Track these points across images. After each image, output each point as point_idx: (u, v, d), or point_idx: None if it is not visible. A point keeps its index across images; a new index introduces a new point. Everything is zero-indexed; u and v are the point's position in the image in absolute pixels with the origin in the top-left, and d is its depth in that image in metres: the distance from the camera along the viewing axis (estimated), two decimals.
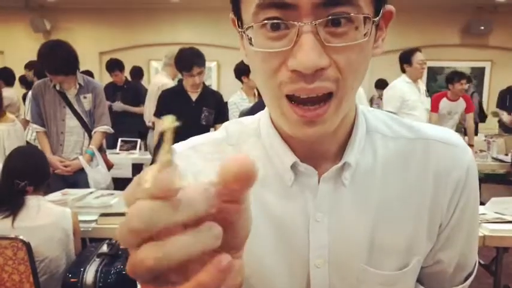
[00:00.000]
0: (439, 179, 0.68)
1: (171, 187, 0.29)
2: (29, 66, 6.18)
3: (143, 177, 0.30)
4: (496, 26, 9.03)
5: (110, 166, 3.39)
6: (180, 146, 0.74)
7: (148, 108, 4.50)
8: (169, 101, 3.47)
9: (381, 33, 0.62)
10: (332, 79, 0.56)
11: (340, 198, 0.67)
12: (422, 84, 4.51)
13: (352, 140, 0.67)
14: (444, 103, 5.32)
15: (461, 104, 5.36)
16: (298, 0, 0.53)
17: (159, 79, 4.42)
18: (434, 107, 5.24)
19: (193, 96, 3.46)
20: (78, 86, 3.17)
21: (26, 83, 6.21)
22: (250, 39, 0.57)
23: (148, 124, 4.63)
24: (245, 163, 0.30)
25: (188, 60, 3.35)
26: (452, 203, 0.69)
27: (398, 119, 0.73)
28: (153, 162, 3.63)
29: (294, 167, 0.67)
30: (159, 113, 3.53)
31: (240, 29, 0.60)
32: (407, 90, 4.33)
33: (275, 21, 0.54)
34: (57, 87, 3.15)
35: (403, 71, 4.44)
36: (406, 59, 4.40)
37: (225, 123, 0.77)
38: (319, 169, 0.67)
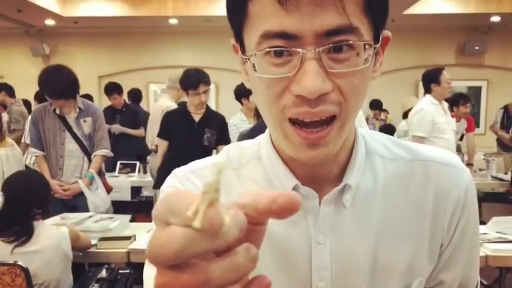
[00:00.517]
0: (439, 199, 0.69)
1: (220, 224, 0.29)
2: None
3: (184, 208, 0.29)
4: (491, 46, 9.15)
5: (109, 189, 3.38)
6: (181, 170, 0.74)
7: (151, 132, 4.49)
8: (173, 122, 3.52)
9: (378, 57, 0.64)
10: (335, 102, 0.57)
11: (342, 220, 0.67)
12: (445, 104, 4.30)
13: (352, 163, 0.68)
14: None
15: (463, 124, 5.41)
16: (300, 31, 0.54)
17: (162, 102, 4.45)
18: None
19: (196, 118, 3.50)
20: (78, 110, 3.20)
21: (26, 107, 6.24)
22: (253, 65, 0.58)
23: (151, 147, 4.56)
24: (295, 199, 0.33)
25: (194, 78, 3.40)
26: (452, 223, 0.69)
27: (395, 140, 0.74)
28: (155, 184, 3.64)
29: (295, 190, 0.67)
30: (162, 134, 3.58)
31: (244, 56, 0.61)
32: (435, 113, 4.07)
33: (279, 48, 0.55)
34: (57, 111, 3.17)
35: (428, 91, 4.18)
36: (433, 78, 4.14)
37: (226, 147, 0.78)
38: (320, 191, 0.67)
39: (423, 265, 0.69)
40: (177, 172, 0.74)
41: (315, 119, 0.57)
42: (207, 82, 3.44)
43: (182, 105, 3.67)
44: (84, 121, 3.19)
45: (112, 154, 3.38)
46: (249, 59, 0.59)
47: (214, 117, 3.61)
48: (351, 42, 0.55)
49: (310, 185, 0.67)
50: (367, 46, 0.56)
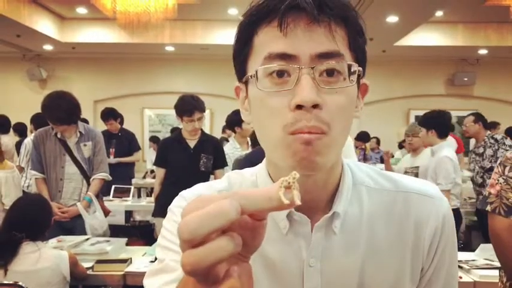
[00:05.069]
0: (419, 228, 0.76)
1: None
2: None
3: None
4: (479, 77, 9.40)
5: (106, 213, 3.42)
6: (189, 193, 0.81)
7: None
8: (168, 150, 3.54)
9: (359, 102, 0.73)
10: (325, 121, 0.64)
11: (331, 244, 0.73)
12: None
13: (340, 192, 0.75)
14: None
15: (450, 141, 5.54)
16: (297, 52, 0.65)
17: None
18: None
19: (191, 144, 3.51)
20: (78, 134, 3.27)
21: (20, 131, 6.28)
22: (256, 80, 0.67)
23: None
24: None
25: (190, 105, 3.41)
26: (431, 249, 0.76)
27: (379, 171, 0.81)
28: (154, 212, 3.66)
29: (289, 215, 0.73)
30: (158, 161, 3.60)
31: (247, 76, 0.71)
32: None
33: (281, 66, 0.65)
34: (58, 135, 3.24)
35: None
36: None
37: (227, 174, 0.86)
38: (312, 218, 0.73)
39: (405, 286, 0.77)
40: (185, 194, 0.81)
41: (311, 130, 0.64)
42: (202, 109, 3.46)
43: (177, 132, 3.69)
44: (85, 145, 3.26)
45: (110, 178, 3.42)
46: (253, 77, 0.68)
47: (209, 141, 3.61)
48: (335, 61, 0.65)
49: (303, 212, 0.74)
50: (351, 71, 0.67)
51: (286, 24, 0.65)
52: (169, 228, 0.77)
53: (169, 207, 0.81)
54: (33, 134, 4.87)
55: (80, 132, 3.28)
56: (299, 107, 0.63)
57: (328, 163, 0.68)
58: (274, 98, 0.66)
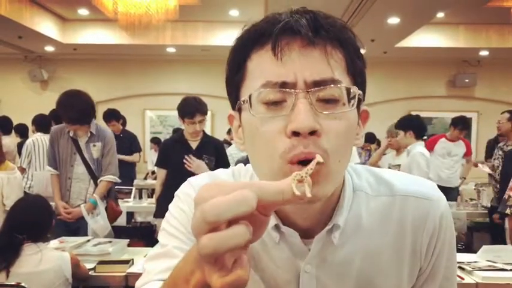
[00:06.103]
0: (416, 230, 0.76)
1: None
2: None
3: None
4: (480, 79, 9.40)
5: (118, 213, 3.41)
6: (195, 180, 0.81)
7: None
8: (170, 150, 3.53)
9: (359, 129, 0.72)
10: (323, 148, 0.61)
11: (329, 253, 0.74)
12: None
13: (341, 204, 0.73)
14: (442, 143, 5.58)
15: (460, 145, 5.55)
16: (294, 79, 0.62)
17: None
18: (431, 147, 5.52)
19: (194, 145, 3.50)
20: (89, 134, 3.27)
21: (21, 132, 6.28)
22: (250, 104, 0.64)
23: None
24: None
25: (192, 107, 3.38)
26: (429, 250, 0.77)
27: (376, 175, 0.80)
28: (156, 213, 3.65)
29: (276, 227, 0.73)
30: (160, 162, 3.59)
31: (237, 104, 0.68)
32: None
33: (278, 96, 0.63)
34: (71, 134, 3.25)
35: None
36: None
37: (231, 167, 0.86)
38: (313, 231, 0.73)
39: (404, 287, 0.77)
40: (192, 181, 0.81)
41: (308, 157, 0.61)
42: (204, 112, 3.43)
43: (179, 133, 3.69)
44: (94, 145, 3.25)
45: (119, 180, 3.40)
46: (246, 102, 0.65)
47: (211, 142, 3.60)
48: (332, 85, 0.63)
49: (302, 231, 0.72)
50: (350, 97, 0.64)
51: (280, 48, 0.62)
52: (175, 214, 0.77)
53: (176, 192, 0.81)
54: (34, 135, 4.88)
55: (91, 132, 3.28)
56: (295, 133, 0.61)
57: (327, 193, 0.66)
58: (269, 124, 0.63)
